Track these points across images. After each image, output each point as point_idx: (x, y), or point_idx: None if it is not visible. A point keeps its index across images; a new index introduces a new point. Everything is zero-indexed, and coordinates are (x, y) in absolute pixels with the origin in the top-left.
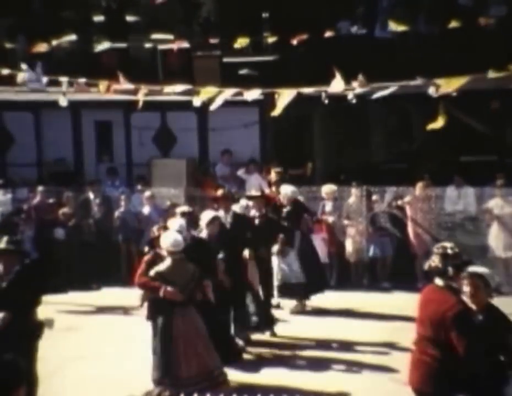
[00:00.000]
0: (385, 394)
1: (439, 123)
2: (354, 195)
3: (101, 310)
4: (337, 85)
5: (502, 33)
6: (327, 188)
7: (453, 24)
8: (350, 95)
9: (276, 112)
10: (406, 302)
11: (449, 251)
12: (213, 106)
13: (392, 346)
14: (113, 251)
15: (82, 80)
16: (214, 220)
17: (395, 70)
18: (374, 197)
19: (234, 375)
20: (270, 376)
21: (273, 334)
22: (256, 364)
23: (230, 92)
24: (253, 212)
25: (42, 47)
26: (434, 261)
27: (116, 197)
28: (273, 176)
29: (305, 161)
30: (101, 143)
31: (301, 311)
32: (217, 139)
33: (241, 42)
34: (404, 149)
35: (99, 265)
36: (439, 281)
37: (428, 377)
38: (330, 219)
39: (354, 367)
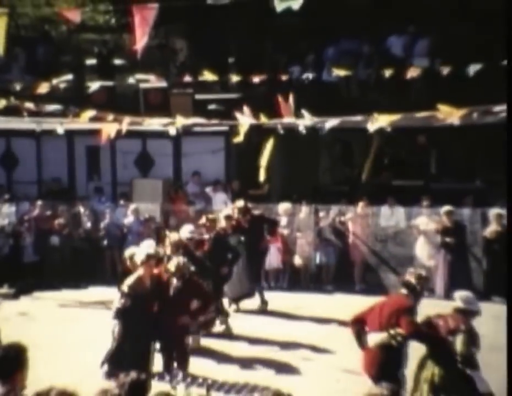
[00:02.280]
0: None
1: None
2: (304, 212)
3: (88, 305)
4: (288, 113)
5: (427, 79)
6: (283, 206)
7: (387, 71)
8: (301, 127)
9: (239, 139)
10: (345, 302)
11: (423, 274)
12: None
13: (332, 340)
14: (99, 256)
15: (75, 109)
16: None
17: (339, 107)
18: (321, 214)
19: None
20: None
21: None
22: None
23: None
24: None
25: (44, 87)
26: (409, 278)
27: (102, 211)
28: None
29: (264, 182)
30: (91, 165)
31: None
32: (189, 163)
33: (210, 79)
34: (347, 174)
35: (87, 267)
36: (404, 291)
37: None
38: (285, 231)
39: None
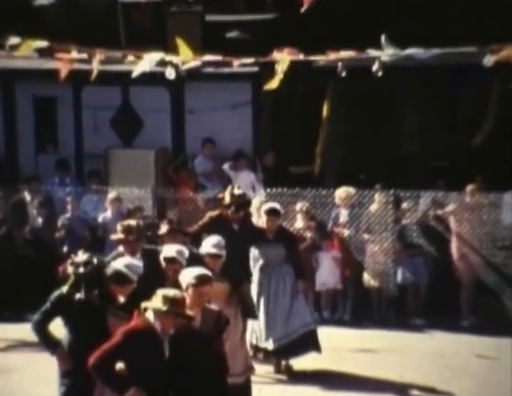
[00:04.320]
0: None
1: None
2: (377, 201)
3: (36, 347)
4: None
5: None
6: (342, 192)
7: None
8: (375, 66)
9: (274, 85)
10: (445, 346)
11: None
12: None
13: None
14: (55, 269)
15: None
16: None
17: (433, 33)
18: (405, 205)
19: None
20: None
21: None
22: None
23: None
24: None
25: None
26: None
27: (61, 199)
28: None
29: (313, 155)
30: (42, 127)
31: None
32: (197, 125)
33: None
34: (448, 140)
35: (38, 287)
36: None
37: None
38: (345, 232)
39: None
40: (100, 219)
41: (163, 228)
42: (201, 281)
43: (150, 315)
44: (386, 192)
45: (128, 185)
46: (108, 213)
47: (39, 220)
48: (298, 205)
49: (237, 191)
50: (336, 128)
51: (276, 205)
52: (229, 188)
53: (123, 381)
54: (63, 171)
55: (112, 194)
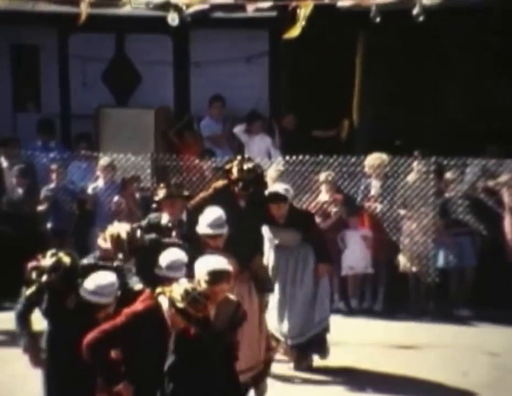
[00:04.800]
0: None
1: None
2: (416, 171)
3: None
4: None
5: None
6: (374, 160)
7: None
8: (416, 9)
9: (295, 34)
10: (494, 342)
11: None
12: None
13: None
14: (38, 248)
15: None
16: None
17: None
18: (448, 175)
19: None
20: None
21: None
22: None
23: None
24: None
25: None
26: None
27: (45, 166)
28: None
29: (340, 116)
30: (21, 81)
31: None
32: (204, 80)
33: None
34: (502, 98)
35: (16, 270)
36: None
37: None
38: (377, 207)
39: None
40: (90, 190)
41: (160, 193)
42: (216, 278)
43: (164, 301)
44: (426, 160)
45: (123, 151)
46: (100, 183)
47: (19, 191)
48: (322, 176)
49: (246, 165)
50: (368, 86)
51: (281, 187)
52: (237, 160)
53: (116, 372)
54: (46, 133)
55: (103, 161)
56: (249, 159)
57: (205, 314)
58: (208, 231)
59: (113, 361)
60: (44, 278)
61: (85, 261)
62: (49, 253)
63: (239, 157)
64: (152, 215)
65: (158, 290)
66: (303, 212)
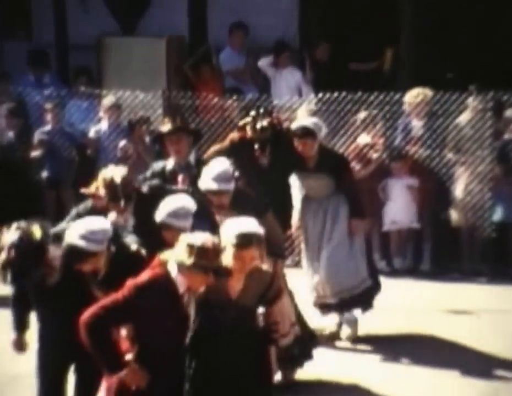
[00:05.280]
0: None
1: None
2: (471, 108)
3: (7, 302)
4: None
5: None
6: (414, 96)
7: None
8: None
9: None
10: None
11: None
12: None
13: None
14: (32, 201)
15: None
16: None
17: None
18: (509, 113)
19: None
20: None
21: None
22: None
23: None
24: None
25: None
26: None
27: (39, 105)
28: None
29: (382, 46)
30: (10, 5)
31: None
32: (223, 5)
33: None
34: None
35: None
36: None
37: None
38: (424, 151)
39: None
40: (92, 133)
41: (164, 128)
42: (244, 242)
43: (172, 268)
44: (483, 96)
45: (130, 87)
46: (103, 125)
47: (9, 134)
48: (361, 115)
49: (260, 122)
50: (414, 10)
51: (309, 121)
52: (250, 116)
53: (118, 355)
54: (39, 66)
55: (107, 100)
56: (266, 114)
57: (220, 263)
58: (213, 186)
59: (116, 342)
60: (3, 255)
61: (74, 211)
62: (14, 224)
63: (252, 113)
64: (157, 164)
65: (163, 256)
66: (337, 154)
